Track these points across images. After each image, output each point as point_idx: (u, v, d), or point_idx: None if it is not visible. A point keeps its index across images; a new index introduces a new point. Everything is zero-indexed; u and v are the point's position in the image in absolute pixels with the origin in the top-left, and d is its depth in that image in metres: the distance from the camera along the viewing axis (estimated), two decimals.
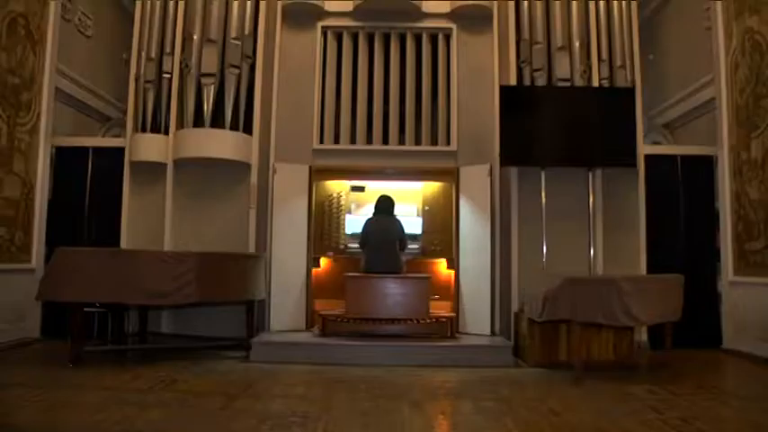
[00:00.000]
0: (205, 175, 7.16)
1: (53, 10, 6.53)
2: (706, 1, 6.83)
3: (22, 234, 6.14)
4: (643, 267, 6.79)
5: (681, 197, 6.92)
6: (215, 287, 5.90)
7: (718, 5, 6.54)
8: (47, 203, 6.54)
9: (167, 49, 7.18)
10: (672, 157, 6.98)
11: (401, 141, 7.76)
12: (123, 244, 6.87)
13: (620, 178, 6.92)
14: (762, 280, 5.88)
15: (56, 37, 6.57)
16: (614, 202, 6.97)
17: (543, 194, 6.80)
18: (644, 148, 7.00)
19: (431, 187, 7.98)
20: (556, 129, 6.83)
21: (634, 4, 7.25)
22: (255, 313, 6.63)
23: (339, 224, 7.89)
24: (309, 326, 7.16)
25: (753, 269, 6.06)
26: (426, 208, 7.95)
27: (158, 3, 7.23)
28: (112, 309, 6.39)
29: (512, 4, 7.33)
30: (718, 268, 6.65)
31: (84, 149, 7.05)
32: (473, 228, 7.25)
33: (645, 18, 8.12)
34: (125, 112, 7.34)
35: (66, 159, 6.89)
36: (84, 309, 5.69)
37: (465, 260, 7.25)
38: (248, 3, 7.30)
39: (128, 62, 7.31)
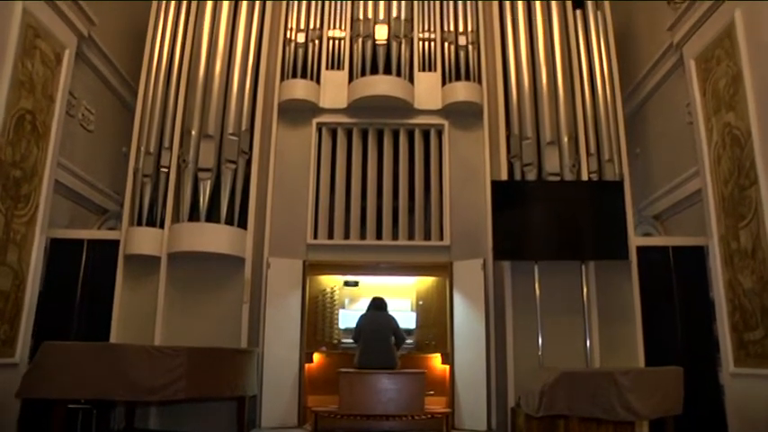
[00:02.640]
0: (199, 269, 7.12)
1: (59, 106, 6.72)
2: (686, 97, 7.10)
3: (8, 327, 6.01)
4: (641, 359, 6.67)
5: (675, 288, 6.90)
6: (206, 383, 5.76)
7: (698, 102, 6.80)
8: (37, 296, 6.46)
9: (166, 144, 7.34)
10: (663, 249, 7.02)
11: (394, 236, 7.83)
12: (113, 338, 6.74)
13: (613, 270, 6.93)
14: (764, 372, 5.76)
15: (59, 132, 6.72)
16: (608, 293, 6.95)
17: (537, 287, 6.78)
18: (635, 240, 7.06)
19: (424, 282, 7.99)
20: (547, 222, 6.90)
21: (619, 100, 7.52)
22: (247, 409, 6.44)
23: (332, 319, 7.83)
24: (302, 422, 6.96)
25: (754, 360, 5.94)
26: (420, 302, 7.93)
27: (158, 99, 7.46)
28: (98, 405, 6.19)
29: (501, 101, 7.58)
30: (719, 359, 6.53)
31: (79, 242, 7.04)
32: (468, 322, 7.20)
33: (630, 113, 8.42)
34: (122, 205, 7.42)
35: (60, 251, 6.87)
36: (69, 405, 5.50)
37: (460, 354, 7.15)
38: (245, 99, 7.52)
39: (127, 156, 7.46)
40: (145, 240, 7.03)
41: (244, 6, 7.74)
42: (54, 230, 6.86)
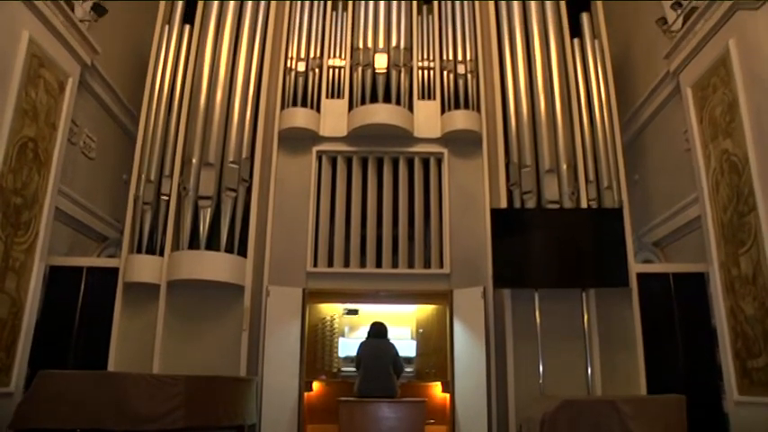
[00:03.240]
0: (198, 297, 7.09)
1: (61, 134, 6.77)
2: (684, 124, 7.15)
3: (3, 355, 5.95)
4: (643, 387, 6.61)
5: (676, 315, 6.86)
6: (205, 412, 5.68)
7: (695, 129, 6.85)
8: (35, 323, 6.43)
9: (167, 172, 7.37)
10: (664, 275, 7.00)
11: (394, 264, 7.81)
12: (111, 366, 6.69)
13: (613, 297, 6.91)
14: None
15: (61, 159, 6.76)
16: (609, 320, 6.92)
17: (537, 315, 6.73)
18: (635, 267, 7.04)
19: (425, 310, 7.96)
20: (547, 250, 6.89)
21: (617, 128, 7.58)
22: None
23: (332, 347, 7.79)
24: None
25: (758, 388, 5.88)
26: (420, 330, 7.89)
27: (160, 126, 7.52)
28: None
29: (500, 129, 7.62)
30: (722, 387, 6.47)
31: (79, 269, 7.02)
32: (468, 350, 7.16)
33: (628, 140, 8.47)
34: (122, 233, 7.42)
35: (59, 279, 6.84)
36: None
37: (460, 383, 7.10)
38: (246, 127, 7.57)
39: (128, 183, 7.48)
40: (144, 268, 7.01)
41: (245, 35, 7.84)
42: (53, 258, 6.85)
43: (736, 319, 6.20)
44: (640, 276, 6.98)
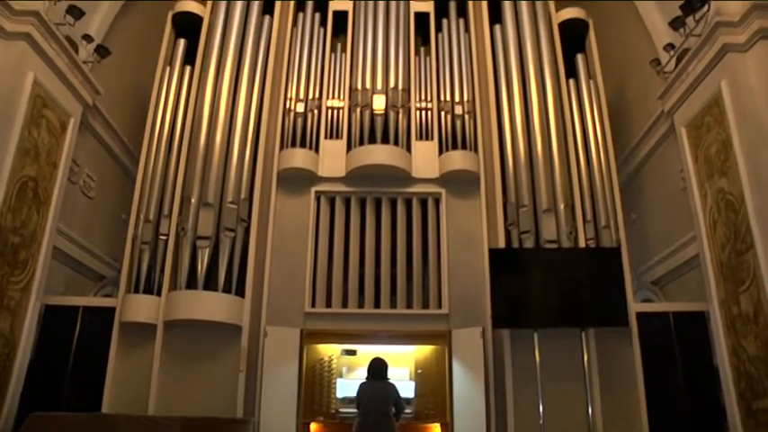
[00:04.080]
0: (195, 338, 7.03)
1: (61, 173, 6.81)
2: (679, 163, 7.22)
3: None
4: (645, 429, 6.51)
5: (678, 354, 6.79)
6: None
7: (691, 168, 6.91)
8: (27, 364, 6.34)
9: (165, 212, 7.40)
10: (664, 314, 6.95)
11: (393, 304, 7.76)
12: (105, 407, 6.58)
13: (613, 337, 6.86)
14: None
15: (60, 198, 6.79)
16: (610, 361, 6.85)
17: (537, 355, 6.66)
18: (635, 307, 7.02)
19: (423, 350, 7.88)
20: (546, 290, 6.86)
21: (614, 167, 7.65)
22: None
23: (330, 388, 7.68)
24: None
25: (764, 429, 5.75)
26: (419, 371, 7.80)
27: (159, 166, 7.58)
28: None
29: (498, 169, 7.69)
30: (727, 429, 6.35)
31: (74, 309, 6.96)
32: (467, 390, 7.06)
33: (625, 179, 8.54)
34: (119, 272, 7.39)
35: (54, 318, 6.78)
36: None
37: (460, 424, 6.99)
38: (245, 168, 7.62)
39: (126, 223, 7.49)
40: (141, 308, 6.98)
41: (245, 76, 7.97)
42: (49, 297, 6.82)
43: (738, 358, 6.15)
44: (640, 315, 6.95)
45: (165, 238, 7.31)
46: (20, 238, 6.17)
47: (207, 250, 7.15)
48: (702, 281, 6.75)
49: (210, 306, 6.92)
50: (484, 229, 7.79)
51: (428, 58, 8.81)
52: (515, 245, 7.35)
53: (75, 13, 6.75)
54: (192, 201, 7.31)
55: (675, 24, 6.95)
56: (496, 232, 7.51)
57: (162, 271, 7.20)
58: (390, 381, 6.86)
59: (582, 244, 7.26)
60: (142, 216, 7.34)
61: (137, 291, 7.07)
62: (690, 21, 6.82)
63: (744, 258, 6.06)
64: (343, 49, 8.80)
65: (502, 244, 7.37)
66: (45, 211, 6.56)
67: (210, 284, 7.05)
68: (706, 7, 6.58)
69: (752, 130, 6.06)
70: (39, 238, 6.47)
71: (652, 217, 8.23)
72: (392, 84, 8.26)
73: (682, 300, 7.29)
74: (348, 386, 7.42)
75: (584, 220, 7.41)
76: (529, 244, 7.28)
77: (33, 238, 6.39)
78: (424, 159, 8.16)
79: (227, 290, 7.09)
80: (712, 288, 6.54)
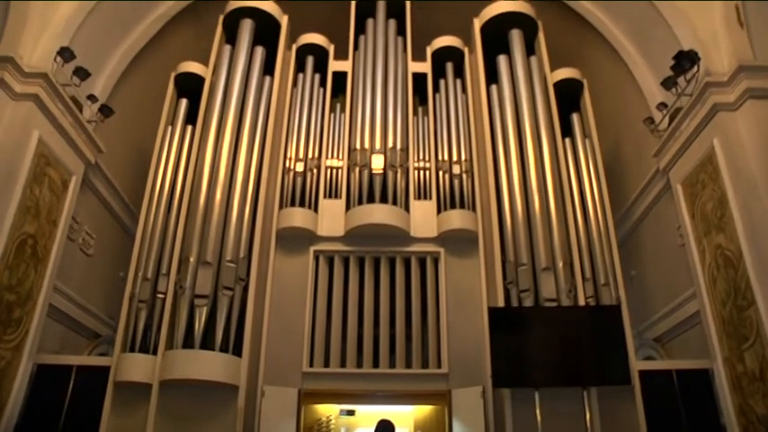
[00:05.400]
0: (190, 398, 6.88)
1: (60, 231, 6.82)
2: (676, 219, 7.26)
3: None
4: None
5: (683, 413, 6.65)
6: None
7: (688, 225, 6.95)
8: (13, 427, 6.16)
9: (164, 270, 7.38)
10: (667, 372, 6.86)
11: (392, 364, 7.65)
12: None
13: (616, 395, 6.74)
14: None
15: (59, 256, 6.79)
16: (613, 420, 6.71)
17: (539, 415, 6.52)
18: (637, 365, 6.93)
19: (423, 410, 7.74)
20: (547, 349, 6.77)
21: (611, 224, 7.69)
22: None
23: None
24: None
25: None
26: None
27: (159, 225, 7.60)
28: None
29: (496, 228, 7.70)
30: None
31: (68, 368, 6.83)
32: None
33: (623, 236, 8.59)
34: (115, 330, 7.31)
35: (46, 378, 6.64)
36: None
37: None
38: (244, 227, 7.63)
39: (124, 281, 7.45)
40: (136, 367, 6.86)
41: (245, 135, 8.08)
42: (42, 356, 6.71)
43: (747, 418, 6.02)
44: (643, 374, 6.85)
45: (162, 296, 7.26)
46: (15, 296, 6.12)
47: (205, 309, 7.08)
48: (704, 338, 6.68)
49: (207, 365, 6.80)
50: (483, 288, 7.76)
51: (426, 118, 8.97)
52: (515, 303, 7.30)
53: (82, 74, 6.92)
54: (191, 259, 7.29)
55: (667, 84, 7.13)
56: (495, 291, 7.46)
57: (159, 330, 7.12)
58: None
59: (581, 302, 7.23)
60: (140, 274, 7.32)
61: (132, 349, 6.98)
62: (681, 80, 6.99)
63: (746, 315, 6.02)
64: (343, 110, 8.97)
65: (501, 303, 7.32)
66: (43, 268, 6.53)
67: (208, 344, 6.95)
68: (696, 67, 6.77)
69: (745, 186, 6.13)
70: (34, 297, 6.42)
71: (651, 274, 8.23)
72: (390, 143, 8.37)
73: (684, 357, 7.20)
74: None
75: (584, 278, 7.40)
76: (528, 302, 7.24)
77: (29, 296, 6.34)
78: (423, 219, 8.19)
79: (224, 349, 6.98)
80: (715, 345, 6.47)
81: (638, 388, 6.75)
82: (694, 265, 6.82)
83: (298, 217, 8.02)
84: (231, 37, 8.84)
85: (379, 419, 6.79)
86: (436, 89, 9.23)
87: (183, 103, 8.57)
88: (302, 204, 8.20)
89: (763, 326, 5.74)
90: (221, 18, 8.96)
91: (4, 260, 5.93)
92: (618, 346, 6.69)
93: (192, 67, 8.78)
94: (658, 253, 8.05)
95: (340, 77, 9.18)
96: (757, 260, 5.90)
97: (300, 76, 9.20)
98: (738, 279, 6.13)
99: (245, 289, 7.41)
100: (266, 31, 8.91)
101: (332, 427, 7.57)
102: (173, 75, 8.80)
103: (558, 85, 8.71)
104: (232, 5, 8.90)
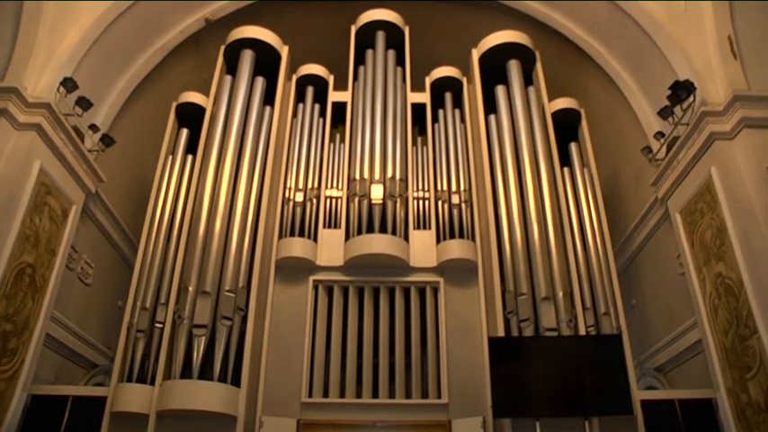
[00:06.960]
0: (188, 428, 6.79)
1: (59, 260, 6.81)
2: (676, 248, 7.26)
3: None
4: None
5: None
6: None
7: (688, 253, 6.95)
8: None
9: (162, 300, 7.35)
10: (669, 402, 6.78)
11: (391, 394, 7.57)
12: None
13: (618, 426, 6.65)
14: None
15: (57, 285, 6.76)
16: None
17: None
18: (639, 394, 6.87)
19: None
20: (547, 378, 6.73)
21: (611, 254, 7.69)
22: None
23: None
24: None
25: None
26: None
27: (158, 254, 7.59)
28: None
29: (495, 257, 7.68)
30: None
31: (63, 398, 6.73)
32: None
33: (623, 265, 8.58)
34: (112, 360, 7.25)
35: (40, 409, 6.55)
36: None
37: None
38: (243, 257, 7.61)
39: (122, 310, 7.42)
40: (133, 397, 6.78)
41: (245, 165, 8.10)
42: (37, 387, 6.64)
43: None
44: (645, 403, 6.79)
45: (161, 326, 7.22)
46: (11, 326, 6.09)
47: (203, 339, 7.02)
48: (707, 367, 6.63)
49: (205, 396, 6.73)
50: (483, 318, 7.71)
51: (425, 148, 9.03)
52: (515, 333, 7.26)
53: (84, 104, 6.99)
54: (190, 289, 7.25)
55: (664, 114, 7.20)
56: (495, 321, 7.43)
57: (156, 360, 7.06)
58: None
59: (582, 331, 7.19)
60: (139, 303, 7.29)
61: (130, 380, 6.92)
62: (677, 110, 7.07)
63: (748, 344, 5.99)
64: (342, 140, 9.03)
65: (501, 332, 7.27)
66: (40, 298, 6.51)
67: (206, 374, 6.88)
68: (692, 97, 6.84)
69: (744, 215, 6.15)
70: (31, 326, 6.39)
71: (652, 303, 8.20)
72: (390, 174, 8.39)
73: (687, 387, 7.15)
74: None
75: (584, 308, 7.37)
76: (528, 332, 7.20)
77: (26, 326, 6.30)
78: (422, 248, 8.17)
79: (222, 379, 6.91)
80: (718, 375, 6.43)
81: (640, 418, 6.68)
82: (695, 294, 6.81)
83: (297, 247, 8.01)
84: (232, 67, 8.94)
85: None
86: (435, 119, 9.31)
87: (184, 132, 8.64)
88: (302, 234, 8.19)
89: (766, 355, 5.71)
90: (222, 49, 9.07)
91: (1, 289, 5.91)
92: (619, 376, 6.64)
93: (193, 97, 8.87)
94: (658, 282, 8.04)
95: (339, 108, 9.25)
96: (758, 288, 5.89)
97: (300, 106, 9.28)
98: (740, 308, 6.11)
99: (244, 319, 7.36)
100: (267, 61, 9.01)
101: None
102: (174, 105, 8.88)
103: (555, 114, 8.79)
104: (233, 36, 9.01)
